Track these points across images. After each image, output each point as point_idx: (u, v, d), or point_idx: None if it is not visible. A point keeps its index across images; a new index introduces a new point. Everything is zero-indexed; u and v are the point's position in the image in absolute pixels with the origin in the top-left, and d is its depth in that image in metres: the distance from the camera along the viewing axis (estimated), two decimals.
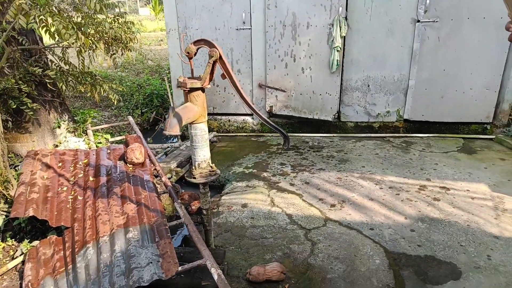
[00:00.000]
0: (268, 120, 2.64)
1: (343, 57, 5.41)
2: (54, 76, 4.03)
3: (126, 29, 4.10)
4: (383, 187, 3.88)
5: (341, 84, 5.57)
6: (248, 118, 6.25)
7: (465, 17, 4.85)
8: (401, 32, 5.17)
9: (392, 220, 3.25)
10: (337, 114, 5.66)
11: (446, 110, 5.33)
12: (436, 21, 4.98)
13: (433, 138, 5.35)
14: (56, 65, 4.25)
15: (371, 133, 5.73)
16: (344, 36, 5.21)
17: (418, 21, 5.04)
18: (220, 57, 2.22)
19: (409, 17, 5.07)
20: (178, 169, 4.46)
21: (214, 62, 2.24)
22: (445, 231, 3.05)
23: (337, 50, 5.18)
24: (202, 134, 2.42)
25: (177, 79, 2.32)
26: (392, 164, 4.48)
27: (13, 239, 2.90)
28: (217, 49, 2.19)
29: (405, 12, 5.07)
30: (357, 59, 5.46)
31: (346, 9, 5.14)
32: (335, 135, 5.76)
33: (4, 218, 2.96)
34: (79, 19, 3.68)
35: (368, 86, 5.56)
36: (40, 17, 2.99)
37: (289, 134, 5.84)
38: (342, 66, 5.48)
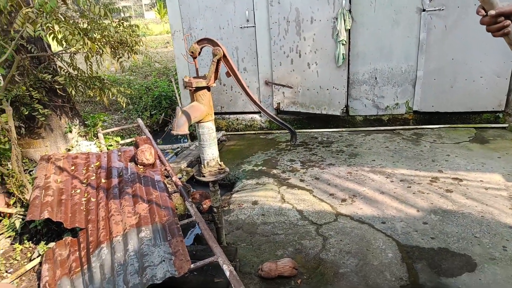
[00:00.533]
0: (273, 116, 2.64)
1: (348, 51, 5.37)
2: (64, 81, 4.11)
3: (131, 33, 4.14)
4: (394, 180, 3.85)
5: (348, 77, 5.53)
6: (256, 116, 6.25)
7: (471, 3, 4.76)
8: (407, 23, 5.10)
9: (404, 213, 3.22)
10: (345, 108, 5.62)
11: (456, 100, 5.25)
12: (442, 9, 4.89)
13: (444, 129, 5.27)
14: (65, 71, 4.33)
15: (380, 126, 5.67)
16: (349, 29, 5.17)
17: (424, 10, 4.97)
18: (224, 55, 2.23)
19: (414, 6, 5.00)
20: (189, 168, 4.50)
21: (218, 61, 2.25)
22: (458, 223, 3.00)
23: (343, 44, 5.14)
24: (209, 133, 2.44)
25: (183, 79, 2.34)
26: (403, 156, 4.43)
27: (30, 241, 2.97)
28: (221, 47, 2.20)
29: (410, 1, 4.99)
30: (363, 52, 5.41)
31: (350, 2, 5.09)
32: (344, 129, 5.73)
33: (21, 221, 3.04)
34: (85, 25, 3.74)
35: (376, 78, 5.50)
36: (47, 25, 3.05)
37: (297, 130, 5.83)
38: (348, 59, 5.43)
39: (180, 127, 2.14)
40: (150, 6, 30.83)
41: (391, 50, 5.30)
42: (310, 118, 5.99)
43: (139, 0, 31.86)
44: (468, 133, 4.99)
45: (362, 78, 5.56)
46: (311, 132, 5.75)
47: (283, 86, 5.82)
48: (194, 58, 2.35)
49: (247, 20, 5.67)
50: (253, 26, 5.69)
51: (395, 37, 5.21)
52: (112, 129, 5.21)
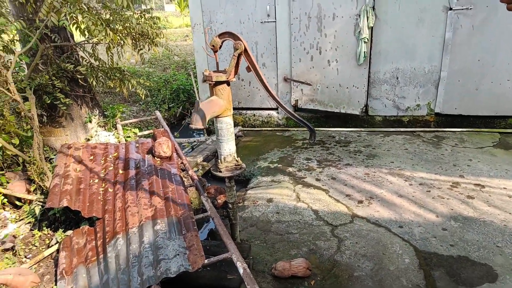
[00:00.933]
0: (293, 113, 2.61)
1: (370, 49, 5.25)
2: (85, 72, 4.16)
3: (152, 24, 4.15)
4: (413, 183, 3.75)
5: (369, 76, 5.41)
6: (273, 113, 6.21)
7: (501, 3, 4.56)
8: (432, 21, 4.94)
9: (422, 218, 3.14)
10: (364, 108, 5.51)
11: (481, 103, 5.07)
12: (470, 8, 4.71)
13: (467, 132, 5.10)
14: (87, 61, 4.38)
15: (400, 127, 5.54)
16: (372, 27, 5.05)
17: (451, 8, 4.80)
18: (245, 49, 2.20)
19: (440, 4, 4.83)
20: (204, 163, 4.51)
21: (239, 55, 2.22)
22: (479, 231, 2.90)
23: (364, 42, 5.03)
24: (227, 128, 2.42)
25: (203, 73, 2.32)
26: (423, 159, 4.32)
27: (49, 228, 3.03)
28: (242, 42, 2.17)
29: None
30: (386, 50, 5.28)
31: None
32: (362, 129, 5.62)
33: (40, 208, 3.10)
34: (108, 16, 3.77)
35: (397, 78, 5.37)
36: (71, 15, 3.09)
37: (315, 128, 5.75)
38: (370, 58, 5.31)
39: (199, 121, 2.13)
40: None
41: (415, 49, 5.15)
42: (328, 116, 5.91)
43: None
44: (492, 138, 4.82)
45: (383, 77, 5.43)
46: (329, 130, 5.67)
47: (302, 83, 5.75)
48: (215, 51, 2.32)
49: (268, 15, 5.61)
50: (273, 21, 5.62)
51: (419, 36, 5.06)
52: (131, 121, 5.26)
